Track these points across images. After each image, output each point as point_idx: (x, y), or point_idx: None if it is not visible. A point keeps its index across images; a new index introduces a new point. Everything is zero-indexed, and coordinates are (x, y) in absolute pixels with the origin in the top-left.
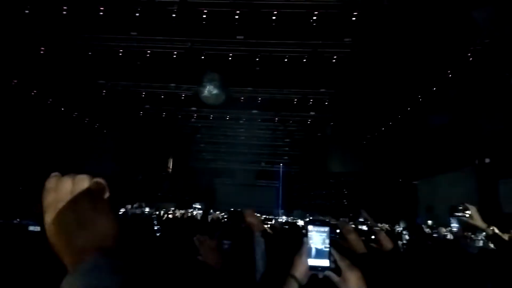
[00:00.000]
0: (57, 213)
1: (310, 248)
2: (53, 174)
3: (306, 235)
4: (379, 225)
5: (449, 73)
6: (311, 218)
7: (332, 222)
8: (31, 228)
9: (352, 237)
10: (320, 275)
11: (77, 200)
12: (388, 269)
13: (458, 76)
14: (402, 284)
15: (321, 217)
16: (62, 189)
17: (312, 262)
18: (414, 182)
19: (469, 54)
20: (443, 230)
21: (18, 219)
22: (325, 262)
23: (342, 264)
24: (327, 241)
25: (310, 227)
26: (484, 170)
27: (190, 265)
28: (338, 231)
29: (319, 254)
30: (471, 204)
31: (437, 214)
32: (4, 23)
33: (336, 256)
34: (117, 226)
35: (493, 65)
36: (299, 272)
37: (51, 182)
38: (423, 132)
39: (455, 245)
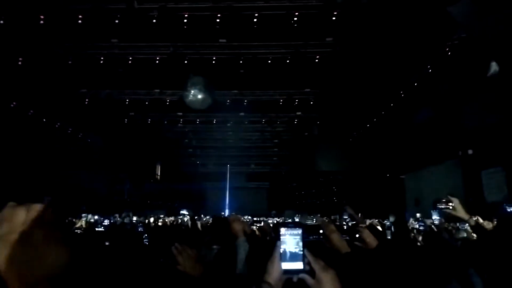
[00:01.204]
0: (8, 244)
1: (284, 252)
2: (9, 204)
3: (278, 238)
4: (368, 220)
5: (429, 69)
6: (282, 220)
7: (314, 223)
8: None
9: (335, 237)
10: (295, 279)
11: (29, 232)
12: (372, 267)
13: (438, 71)
14: (386, 281)
15: (310, 216)
16: (16, 220)
17: (286, 265)
18: (401, 177)
19: (447, 49)
20: (428, 222)
21: None
22: (299, 265)
23: (316, 265)
24: (301, 243)
25: (282, 230)
26: (468, 162)
27: (169, 275)
28: (321, 231)
29: (293, 257)
30: (457, 194)
31: (424, 207)
32: None
33: (310, 258)
34: (68, 255)
35: (471, 59)
36: (273, 277)
37: (5, 212)
38: (407, 127)
39: (437, 237)
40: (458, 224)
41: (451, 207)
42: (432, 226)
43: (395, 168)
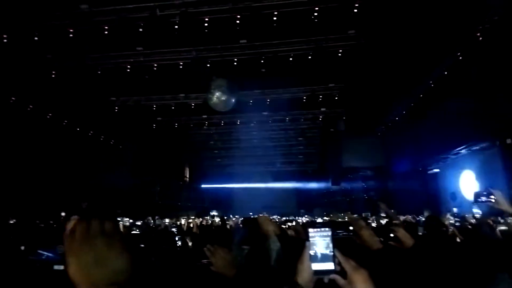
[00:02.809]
0: (77, 253)
1: (314, 253)
2: (72, 217)
3: (307, 239)
4: (401, 217)
5: (459, 56)
6: (309, 219)
7: (343, 220)
8: (56, 267)
9: (365, 234)
10: (326, 279)
11: (94, 241)
12: (407, 265)
13: (469, 57)
14: (425, 279)
15: (340, 214)
16: (80, 231)
17: (316, 266)
18: (435, 170)
19: (478, 34)
20: (468, 216)
21: (45, 255)
22: (330, 266)
23: (347, 265)
24: (331, 243)
25: (311, 231)
26: (507, 151)
27: (203, 275)
28: (351, 228)
29: (323, 257)
30: (497, 186)
31: (462, 201)
32: (16, 52)
33: (341, 258)
34: (130, 262)
35: (505, 42)
36: (303, 278)
37: (70, 225)
38: (439, 117)
39: (477, 231)
40: (499, 218)
41: (493, 200)
42: (473, 220)
43: (428, 161)
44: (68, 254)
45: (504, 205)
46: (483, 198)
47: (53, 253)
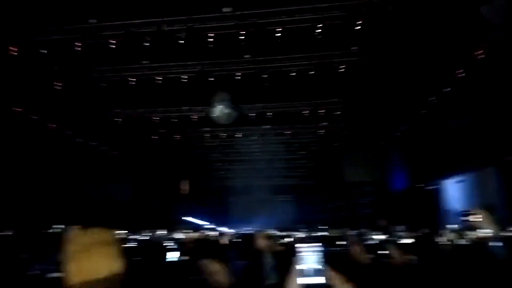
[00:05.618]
0: (76, 260)
1: (304, 267)
2: (73, 227)
3: (296, 254)
4: (400, 233)
5: (463, 72)
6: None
7: (336, 235)
8: (49, 275)
9: (356, 249)
10: None
11: (92, 249)
12: (395, 280)
13: (472, 74)
14: None
15: (336, 230)
16: (79, 240)
17: (306, 281)
18: (435, 187)
19: (481, 51)
20: (471, 234)
21: (39, 264)
22: (320, 280)
23: (336, 280)
24: (321, 258)
25: (300, 246)
26: (506, 169)
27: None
28: (340, 243)
29: (313, 272)
30: (497, 204)
31: (455, 218)
32: (24, 64)
33: (331, 272)
34: (124, 269)
35: (508, 60)
36: None
37: (69, 234)
38: (440, 134)
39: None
40: None
41: (480, 220)
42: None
43: (428, 178)
44: (68, 261)
45: (491, 225)
46: (470, 217)
47: (47, 262)
